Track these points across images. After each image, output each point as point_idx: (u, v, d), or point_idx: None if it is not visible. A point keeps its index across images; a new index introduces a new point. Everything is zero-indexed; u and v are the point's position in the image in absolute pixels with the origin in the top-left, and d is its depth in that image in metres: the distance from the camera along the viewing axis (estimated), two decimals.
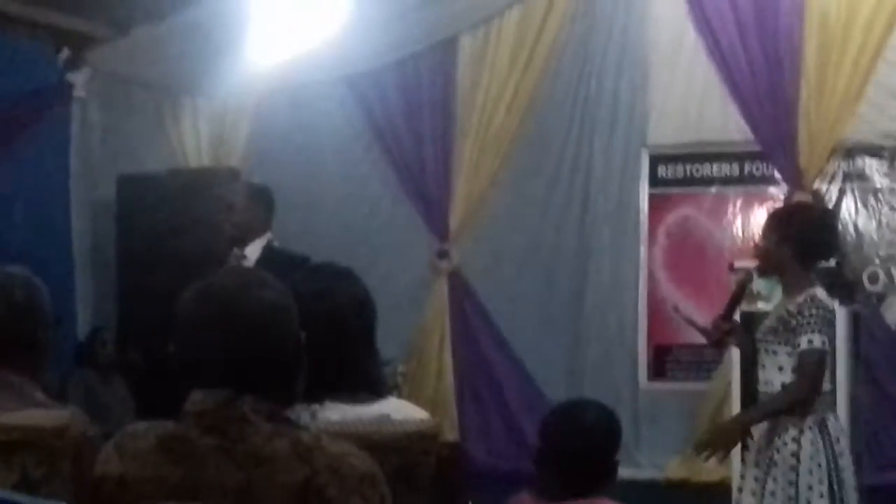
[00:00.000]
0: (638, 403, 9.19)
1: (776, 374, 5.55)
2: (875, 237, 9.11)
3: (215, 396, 2.54)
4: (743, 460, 5.72)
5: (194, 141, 10.30)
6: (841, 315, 8.03)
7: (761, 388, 5.66)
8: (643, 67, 9.62)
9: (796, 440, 5.45)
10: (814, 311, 5.47)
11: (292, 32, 9.11)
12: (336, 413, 3.00)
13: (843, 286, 8.41)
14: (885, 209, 9.10)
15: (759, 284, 6.14)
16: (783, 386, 5.51)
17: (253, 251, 6.74)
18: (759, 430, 5.63)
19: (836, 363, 7.90)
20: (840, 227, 9.08)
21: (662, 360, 9.16)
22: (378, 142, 10.13)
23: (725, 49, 9.28)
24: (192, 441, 2.52)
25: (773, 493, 5.46)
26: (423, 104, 10.03)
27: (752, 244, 5.92)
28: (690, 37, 9.44)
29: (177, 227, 8.83)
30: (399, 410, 3.07)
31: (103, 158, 9.50)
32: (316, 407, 3.01)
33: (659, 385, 8.78)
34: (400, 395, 3.29)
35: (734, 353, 5.79)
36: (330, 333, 3.00)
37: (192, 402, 2.56)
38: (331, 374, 3.03)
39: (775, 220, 5.83)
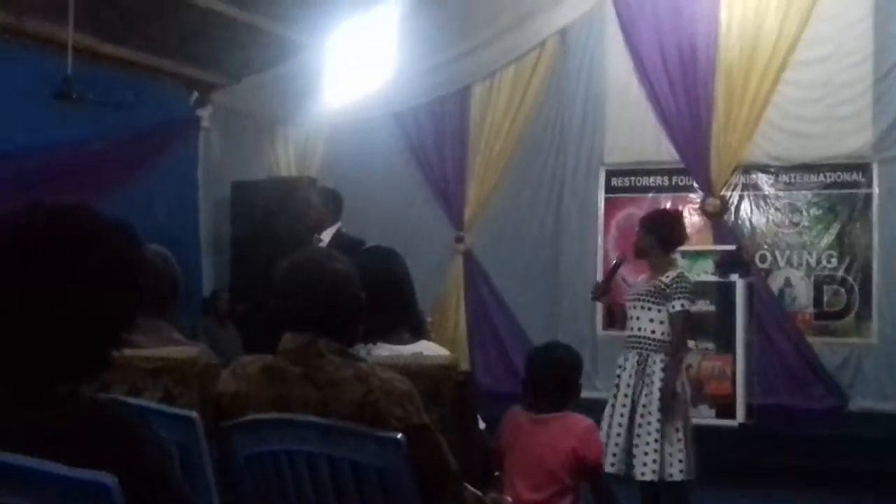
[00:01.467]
0: (596, 345, 9.20)
1: (648, 323, 5.63)
2: (764, 230, 9.18)
3: (301, 338, 2.55)
4: (617, 386, 5.69)
5: (285, 157, 10.29)
6: (740, 285, 8.11)
7: (635, 332, 5.70)
8: (601, 107, 9.64)
9: (664, 371, 5.54)
10: (682, 284, 5.61)
11: (355, 80, 9.12)
12: (384, 350, 3.00)
13: (742, 264, 8.44)
14: (772, 210, 9.17)
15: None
16: (652, 332, 5.59)
17: (327, 236, 6.71)
18: (628, 368, 5.66)
19: (736, 319, 8.02)
20: (738, 222, 9.16)
21: (613, 315, 9.12)
22: (414, 159, 10.12)
23: (659, 93, 9.34)
24: (284, 369, 2.54)
25: (647, 409, 5.53)
26: (446, 133, 10.03)
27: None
28: (635, 85, 9.46)
29: (273, 218, 8.82)
30: (429, 349, 3.06)
31: (221, 170, 9.49)
32: (371, 346, 3.00)
33: (610, 332, 8.74)
34: (429, 340, 3.25)
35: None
36: (381, 294, 2.99)
37: (284, 341, 2.57)
38: (380, 323, 3.02)
39: (645, 220, 5.88)
